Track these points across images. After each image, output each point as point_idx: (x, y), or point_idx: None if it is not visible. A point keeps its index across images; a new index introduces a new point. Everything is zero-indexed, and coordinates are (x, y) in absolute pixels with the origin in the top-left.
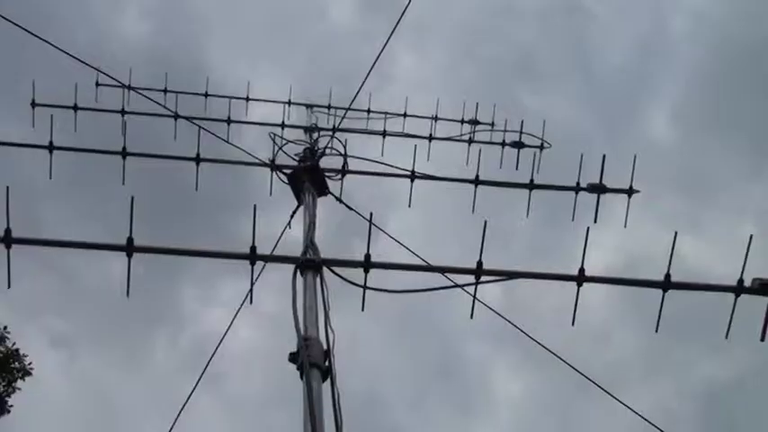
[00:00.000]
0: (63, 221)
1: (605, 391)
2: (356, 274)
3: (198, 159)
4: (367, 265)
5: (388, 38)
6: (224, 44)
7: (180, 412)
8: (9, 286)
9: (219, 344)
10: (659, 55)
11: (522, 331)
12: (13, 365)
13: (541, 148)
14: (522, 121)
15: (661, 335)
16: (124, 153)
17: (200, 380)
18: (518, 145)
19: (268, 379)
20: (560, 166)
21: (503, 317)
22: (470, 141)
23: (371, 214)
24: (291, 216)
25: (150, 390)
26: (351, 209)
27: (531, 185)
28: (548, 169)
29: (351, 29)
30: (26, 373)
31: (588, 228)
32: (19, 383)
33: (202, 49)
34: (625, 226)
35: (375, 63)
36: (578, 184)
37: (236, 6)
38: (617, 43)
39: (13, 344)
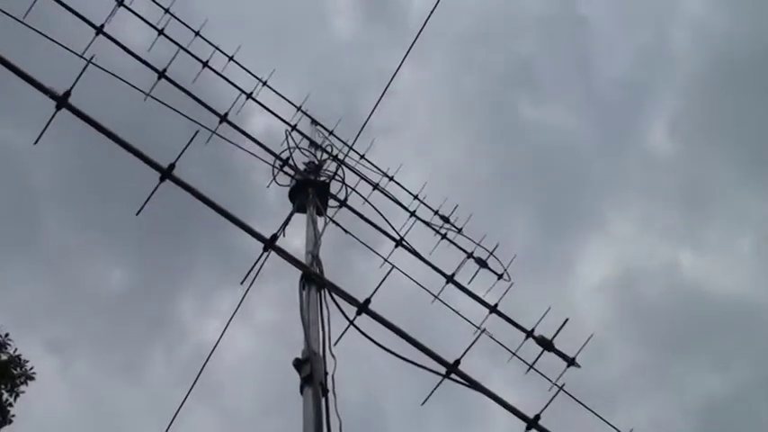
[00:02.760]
0: None
1: (592, 411)
2: (355, 289)
3: (224, 118)
4: (362, 308)
5: (396, 69)
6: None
7: (172, 420)
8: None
9: (214, 348)
10: (659, 66)
11: (513, 353)
12: (14, 371)
13: (500, 277)
14: (497, 245)
15: (659, 350)
16: (161, 73)
17: (193, 385)
18: (481, 263)
19: (263, 387)
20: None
21: (496, 340)
22: (443, 237)
23: (392, 267)
24: (286, 223)
25: (147, 399)
26: (349, 234)
27: (492, 308)
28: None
29: (353, 39)
30: (29, 377)
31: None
32: (22, 388)
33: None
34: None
35: (381, 98)
36: (533, 330)
37: (238, 15)
38: (617, 54)
39: (15, 350)
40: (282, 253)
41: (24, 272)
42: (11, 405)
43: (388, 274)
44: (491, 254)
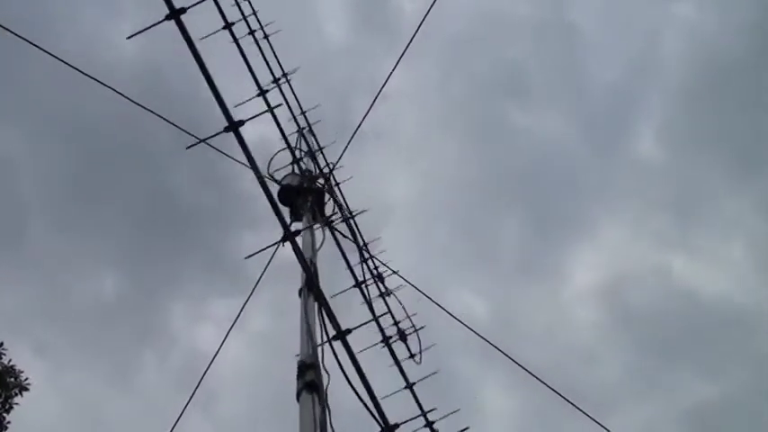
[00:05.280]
0: None
1: (584, 412)
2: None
3: (263, 92)
4: (341, 335)
5: (386, 80)
6: (216, 59)
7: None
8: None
9: (213, 359)
10: (648, 72)
11: (506, 355)
12: (9, 381)
13: (411, 356)
14: (424, 326)
15: (651, 356)
16: (228, 25)
17: (193, 395)
18: (402, 336)
19: (255, 395)
20: None
21: (491, 343)
22: (380, 294)
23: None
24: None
25: (137, 407)
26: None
27: (409, 385)
28: None
29: (344, 44)
30: (23, 388)
31: None
32: (16, 399)
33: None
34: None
35: (369, 110)
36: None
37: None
38: (607, 60)
39: (9, 360)
40: (296, 249)
41: (11, 277)
42: (6, 412)
43: (384, 314)
44: (416, 331)
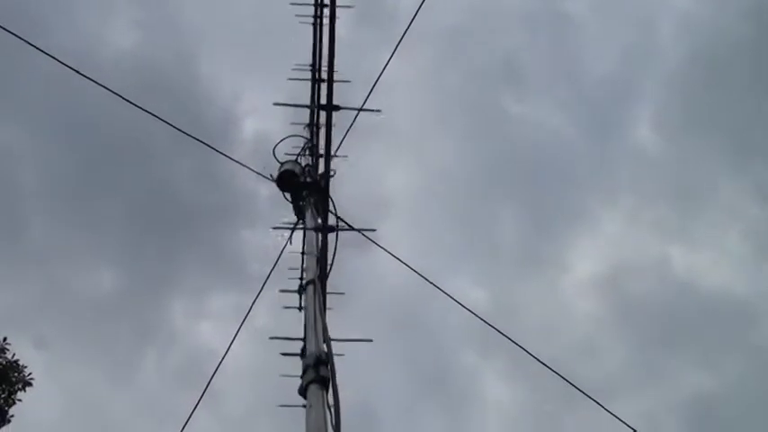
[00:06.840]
0: None
1: (589, 397)
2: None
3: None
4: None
5: (379, 74)
6: (213, 55)
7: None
8: None
9: (223, 359)
10: (644, 61)
11: (511, 340)
12: (12, 377)
13: None
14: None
15: (650, 346)
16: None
17: (203, 395)
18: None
19: (255, 391)
20: None
21: (494, 327)
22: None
23: None
24: (292, 231)
25: (140, 402)
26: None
27: None
28: None
29: (344, 41)
30: (26, 383)
31: None
32: (19, 395)
33: (192, 61)
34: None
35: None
36: None
37: (226, 17)
38: (602, 50)
39: (13, 355)
40: (324, 242)
41: (11, 272)
42: (9, 406)
43: None
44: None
